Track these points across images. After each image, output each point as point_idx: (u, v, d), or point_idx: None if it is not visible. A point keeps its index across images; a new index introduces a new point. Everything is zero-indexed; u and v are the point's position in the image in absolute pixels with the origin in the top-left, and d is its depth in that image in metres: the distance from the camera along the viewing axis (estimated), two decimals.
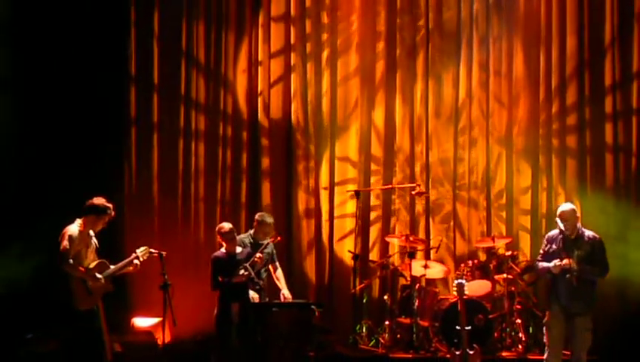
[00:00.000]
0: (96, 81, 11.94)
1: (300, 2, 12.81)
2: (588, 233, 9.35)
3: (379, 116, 12.81)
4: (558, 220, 9.33)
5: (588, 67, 12.53)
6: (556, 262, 9.17)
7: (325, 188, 12.72)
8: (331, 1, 12.82)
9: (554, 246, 9.33)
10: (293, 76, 12.74)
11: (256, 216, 10.98)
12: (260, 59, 12.73)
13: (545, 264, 9.32)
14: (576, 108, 12.54)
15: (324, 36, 12.82)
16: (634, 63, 12.40)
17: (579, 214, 9.47)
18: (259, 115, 12.67)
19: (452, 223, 12.66)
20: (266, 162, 12.66)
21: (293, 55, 12.76)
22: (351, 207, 12.47)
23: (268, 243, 10.52)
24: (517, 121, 12.68)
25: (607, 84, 12.48)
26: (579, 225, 9.32)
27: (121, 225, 11.64)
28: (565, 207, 9.46)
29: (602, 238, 9.40)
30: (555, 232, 9.48)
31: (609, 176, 12.35)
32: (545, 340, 9.45)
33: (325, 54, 12.82)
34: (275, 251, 10.90)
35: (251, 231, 10.93)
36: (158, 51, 12.50)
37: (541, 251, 9.58)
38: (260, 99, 12.68)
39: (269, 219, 10.89)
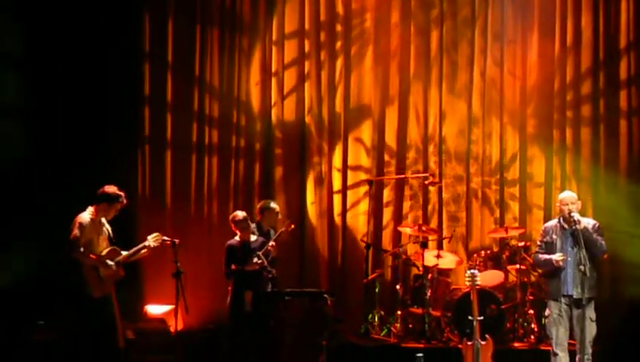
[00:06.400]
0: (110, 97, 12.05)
1: (315, 16, 12.79)
2: (586, 221, 9.26)
3: (392, 111, 12.84)
4: (559, 206, 9.27)
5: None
6: (559, 255, 9.11)
7: (339, 190, 12.78)
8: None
9: (554, 237, 9.25)
10: (306, 85, 12.77)
11: (260, 204, 10.95)
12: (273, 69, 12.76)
13: (546, 256, 9.24)
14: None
15: (338, 44, 12.82)
16: None
17: (579, 201, 9.39)
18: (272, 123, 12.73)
19: (465, 213, 12.65)
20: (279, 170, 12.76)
21: (307, 63, 12.75)
22: (364, 205, 12.57)
23: (282, 232, 10.52)
24: (530, 99, 12.66)
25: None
26: (578, 214, 9.20)
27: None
28: (566, 193, 9.44)
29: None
30: (552, 223, 9.42)
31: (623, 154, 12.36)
32: (549, 334, 9.32)
33: (339, 62, 12.80)
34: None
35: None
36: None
37: (539, 243, 9.51)
38: (273, 111, 12.71)
39: (274, 205, 10.86)
